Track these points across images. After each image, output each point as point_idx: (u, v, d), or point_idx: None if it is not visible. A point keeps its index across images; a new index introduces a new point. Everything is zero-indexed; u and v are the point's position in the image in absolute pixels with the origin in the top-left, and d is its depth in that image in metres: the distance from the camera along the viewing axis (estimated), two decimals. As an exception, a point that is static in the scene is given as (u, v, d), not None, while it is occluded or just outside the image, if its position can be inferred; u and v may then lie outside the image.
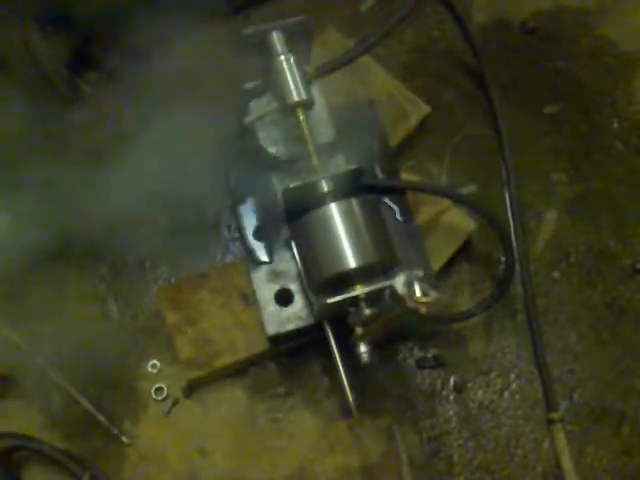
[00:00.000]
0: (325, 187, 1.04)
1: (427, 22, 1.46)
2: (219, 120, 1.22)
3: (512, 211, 1.29)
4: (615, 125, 1.39)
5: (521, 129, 1.37)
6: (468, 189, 1.17)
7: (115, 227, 1.28)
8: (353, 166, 1.08)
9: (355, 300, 0.99)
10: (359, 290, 0.99)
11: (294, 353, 1.20)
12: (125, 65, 1.40)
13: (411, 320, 1.14)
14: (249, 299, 1.16)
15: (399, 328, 1.19)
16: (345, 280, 1.00)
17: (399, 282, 0.91)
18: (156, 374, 1.20)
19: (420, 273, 0.90)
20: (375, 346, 1.02)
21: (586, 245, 1.30)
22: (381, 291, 0.97)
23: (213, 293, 1.18)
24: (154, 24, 1.31)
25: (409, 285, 0.88)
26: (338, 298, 0.99)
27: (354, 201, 1.03)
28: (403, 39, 1.44)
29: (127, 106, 1.37)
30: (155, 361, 1.20)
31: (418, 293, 0.87)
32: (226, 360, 1.15)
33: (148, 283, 1.26)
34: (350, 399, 1.03)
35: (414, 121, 1.30)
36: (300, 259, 1.09)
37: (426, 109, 1.31)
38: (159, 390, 1.19)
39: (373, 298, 0.99)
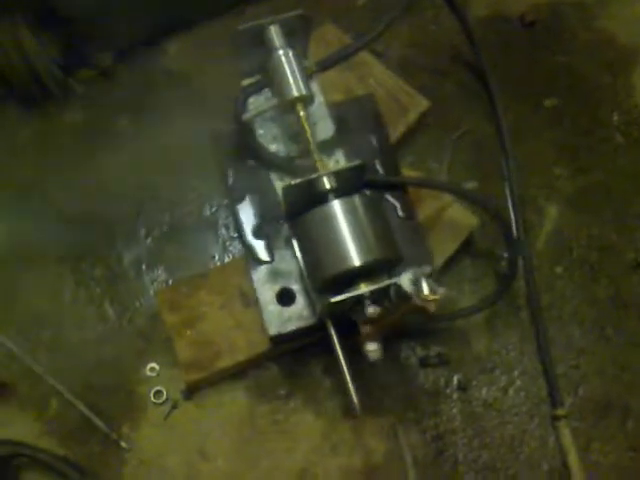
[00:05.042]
0: (327, 184, 1.02)
1: (425, 16, 1.45)
2: (216, 117, 1.21)
3: (513, 206, 1.28)
4: (615, 118, 1.38)
5: (521, 123, 1.36)
6: (469, 184, 1.16)
7: (110, 228, 1.26)
8: (357, 162, 1.06)
9: (359, 299, 0.97)
10: (363, 288, 0.97)
11: (295, 354, 1.18)
12: (118, 64, 1.38)
13: (414, 318, 1.13)
14: (249, 299, 1.14)
15: (401, 326, 1.18)
16: (349, 278, 0.98)
17: (405, 280, 0.89)
18: (155, 377, 1.18)
19: (427, 270, 0.88)
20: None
21: (588, 239, 1.29)
22: (386, 289, 0.96)
23: (212, 294, 1.16)
24: (148, 21, 1.30)
25: (416, 283, 0.86)
26: (342, 297, 0.96)
27: (357, 198, 1.01)
28: (401, 33, 1.42)
29: (120, 105, 1.36)
30: (153, 364, 1.18)
31: (426, 291, 0.85)
32: (226, 361, 1.13)
33: (145, 285, 1.24)
34: (354, 398, 1.01)
35: (413, 116, 1.29)
36: (302, 258, 1.07)
37: (425, 104, 1.29)
38: (158, 393, 1.17)
39: (377, 296, 0.97)
